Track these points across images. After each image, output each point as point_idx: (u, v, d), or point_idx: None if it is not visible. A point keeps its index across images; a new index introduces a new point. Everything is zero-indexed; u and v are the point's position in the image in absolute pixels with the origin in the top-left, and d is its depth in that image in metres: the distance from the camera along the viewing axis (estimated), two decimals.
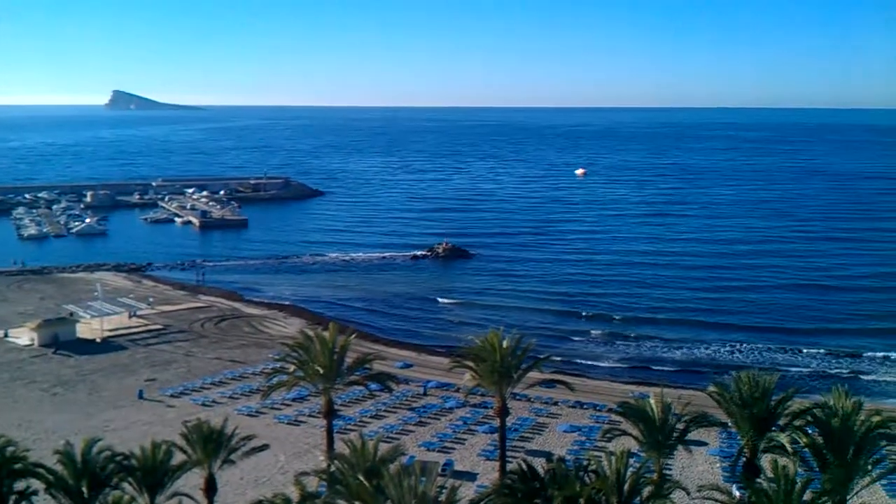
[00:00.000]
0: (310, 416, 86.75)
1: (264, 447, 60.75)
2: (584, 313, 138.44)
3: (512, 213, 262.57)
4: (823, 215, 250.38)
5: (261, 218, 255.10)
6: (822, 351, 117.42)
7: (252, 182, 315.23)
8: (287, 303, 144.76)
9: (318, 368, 65.06)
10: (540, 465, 49.62)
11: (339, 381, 67.52)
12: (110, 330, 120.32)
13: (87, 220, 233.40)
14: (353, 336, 74.36)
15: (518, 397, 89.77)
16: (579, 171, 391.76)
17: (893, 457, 65.97)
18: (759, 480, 50.84)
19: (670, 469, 71.64)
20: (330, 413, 67.07)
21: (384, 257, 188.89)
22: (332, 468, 48.39)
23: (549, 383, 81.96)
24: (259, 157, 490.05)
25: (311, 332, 71.59)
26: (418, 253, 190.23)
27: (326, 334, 67.20)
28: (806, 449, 52.99)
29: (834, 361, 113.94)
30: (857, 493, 52.30)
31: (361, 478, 43.64)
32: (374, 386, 78.13)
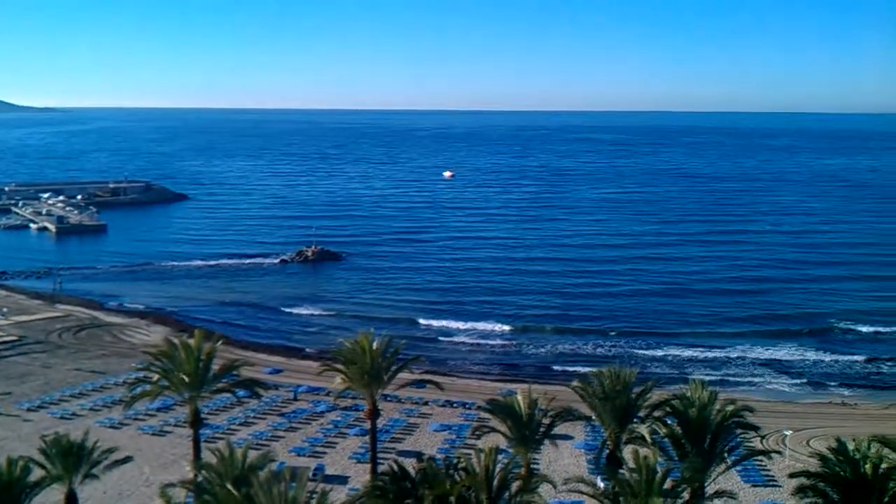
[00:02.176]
0: (176, 425, 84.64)
1: (128, 459, 59.07)
2: (453, 315, 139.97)
3: (382, 215, 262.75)
4: (681, 217, 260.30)
5: (121, 223, 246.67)
6: (679, 348, 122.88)
7: (111, 186, 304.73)
8: (150, 310, 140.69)
9: (184, 377, 63.60)
10: (411, 465, 49.95)
11: (206, 389, 66.17)
12: None
13: None
14: (220, 342, 73.03)
15: (389, 399, 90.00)
16: (447, 174, 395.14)
17: (747, 444, 69.66)
18: (621, 471, 52.54)
19: (538, 463, 73.40)
20: (196, 422, 65.67)
21: (252, 262, 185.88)
22: (200, 478, 47.52)
23: (420, 384, 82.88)
24: (119, 160, 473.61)
25: (175, 340, 69.99)
26: (287, 257, 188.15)
27: (192, 341, 65.84)
28: (665, 439, 55.23)
29: (690, 356, 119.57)
30: (714, 479, 54.80)
31: (230, 487, 42.96)
32: (242, 393, 76.97)
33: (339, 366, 69.00)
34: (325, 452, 79.68)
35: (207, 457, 57.31)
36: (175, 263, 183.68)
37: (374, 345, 67.17)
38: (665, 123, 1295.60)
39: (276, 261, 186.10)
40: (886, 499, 46.02)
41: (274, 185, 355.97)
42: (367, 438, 75.43)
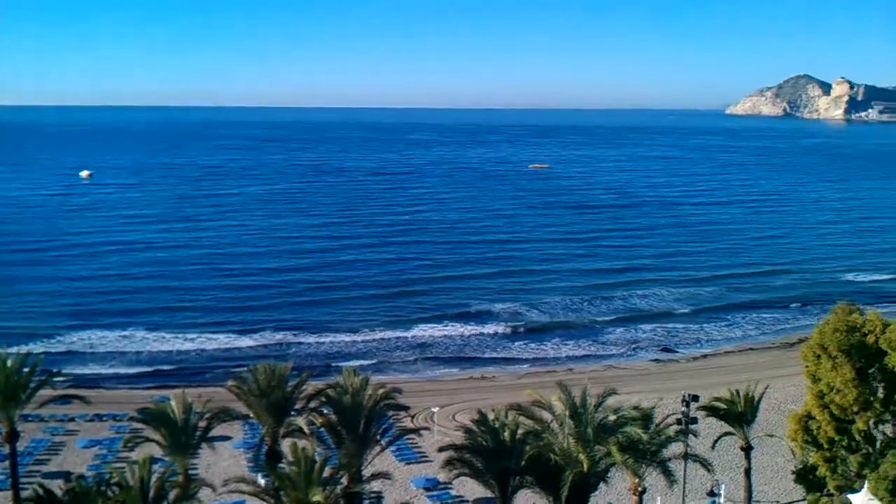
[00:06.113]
0: None
1: None
2: (97, 325, 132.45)
3: (11, 222, 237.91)
4: (330, 211, 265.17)
5: None
6: (333, 340, 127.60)
7: None
8: None
9: None
10: (58, 486, 47.40)
11: None
12: None
13: None
14: None
15: (30, 419, 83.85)
16: (84, 173, 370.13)
17: (399, 424, 73.47)
18: (281, 465, 53.43)
19: (196, 469, 72.25)
20: None
21: None
22: None
23: (64, 399, 77.88)
24: None
25: None
26: None
27: None
28: (322, 428, 56.99)
29: (344, 347, 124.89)
30: (370, 462, 57.47)
31: None
32: None
33: None
34: None
35: None
36: None
37: (9, 362, 62.40)
38: (303, 119, 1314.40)
39: None
40: (524, 462, 51.26)
41: None
42: (6, 464, 69.77)
